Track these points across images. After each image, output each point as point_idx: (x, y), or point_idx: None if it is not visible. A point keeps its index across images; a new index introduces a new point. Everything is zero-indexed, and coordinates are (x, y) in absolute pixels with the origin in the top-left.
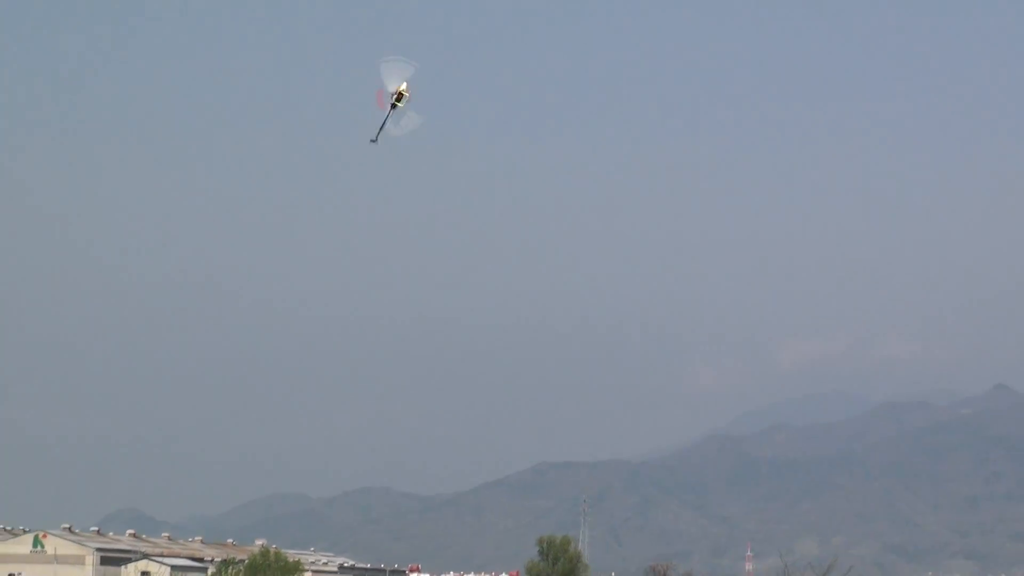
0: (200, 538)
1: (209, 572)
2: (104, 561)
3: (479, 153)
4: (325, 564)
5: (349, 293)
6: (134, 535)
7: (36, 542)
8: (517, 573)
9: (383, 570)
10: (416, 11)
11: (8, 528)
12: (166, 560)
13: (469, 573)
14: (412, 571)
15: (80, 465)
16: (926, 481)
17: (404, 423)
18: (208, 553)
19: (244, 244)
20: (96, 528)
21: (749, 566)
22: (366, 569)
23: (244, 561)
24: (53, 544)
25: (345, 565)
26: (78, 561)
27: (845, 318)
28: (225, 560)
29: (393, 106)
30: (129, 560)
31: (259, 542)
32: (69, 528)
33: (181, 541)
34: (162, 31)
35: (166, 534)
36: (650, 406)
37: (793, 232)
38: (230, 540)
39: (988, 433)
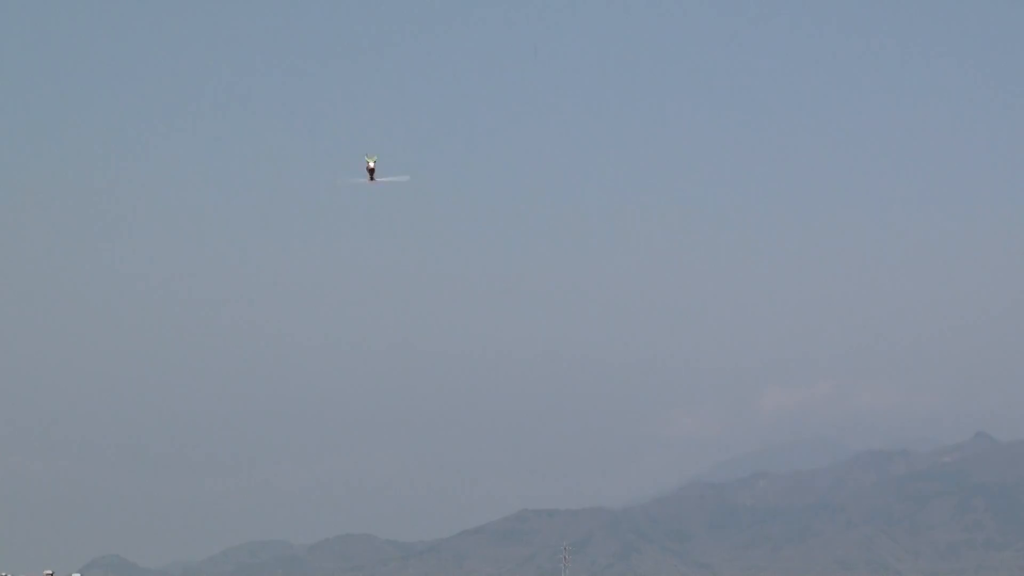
0: None
1: None
2: None
3: (461, 198)
4: None
5: (330, 337)
6: None
7: None
8: None
9: None
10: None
11: None
12: None
13: None
14: None
15: (62, 510)
16: (907, 528)
17: (385, 468)
18: None
19: (225, 283)
20: (78, 574)
21: None
22: None
23: None
24: None
25: None
26: None
27: (826, 366)
28: None
29: (371, 179)
30: None
31: None
32: (51, 574)
33: None
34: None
35: None
36: (631, 453)
37: (774, 280)
38: None
39: (969, 481)
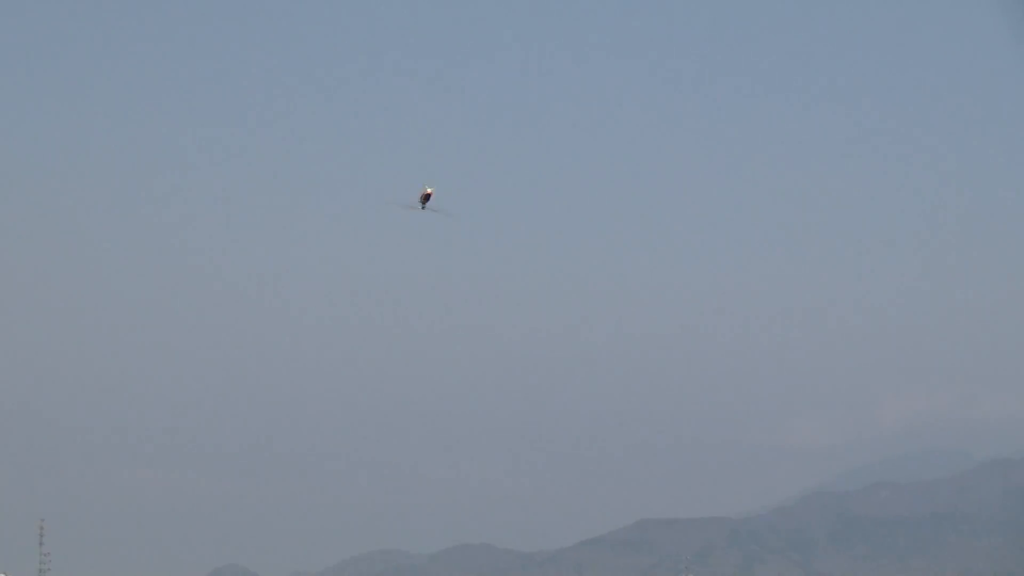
0: None
1: None
2: None
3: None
4: None
5: (450, 347)
6: None
7: None
8: None
9: None
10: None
11: None
12: None
13: None
14: None
15: (183, 520)
16: None
17: (504, 477)
18: None
19: (338, 286)
20: None
21: None
22: None
23: None
24: None
25: None
26: None
27: (948, 374)
28: None
29: (424, 206)
30: None
31: None
32: None
33: None
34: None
35: None
36: (751, 462)
37: (895, 286)
38: None
39: None
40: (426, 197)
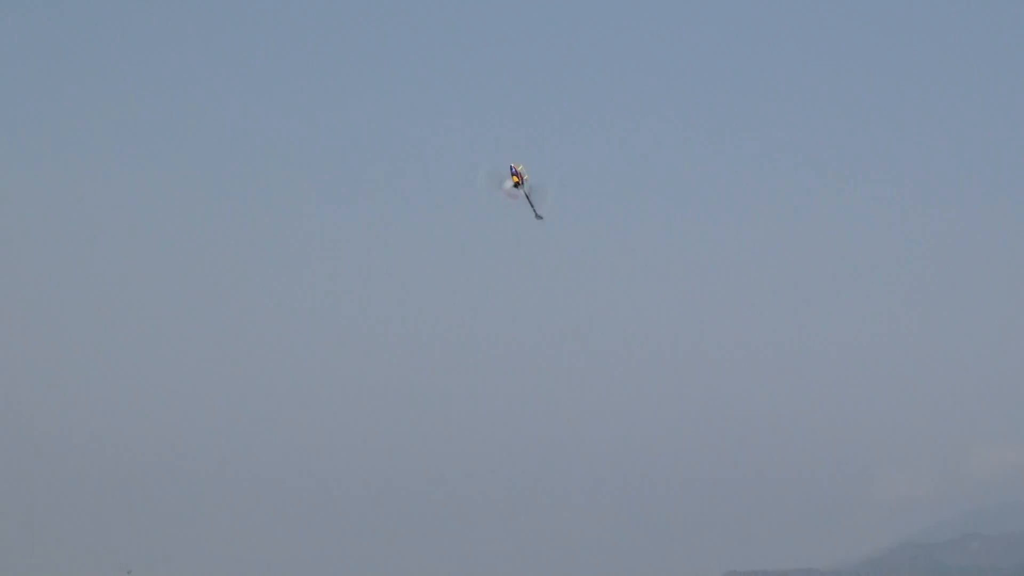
0: None
1: None
2: None
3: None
4: None
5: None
6: None
7: None
8: None
9: None
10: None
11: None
12: None
13: None
14: None
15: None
16: None
17: (587, 528)
18: None
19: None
20: None
21: None
22: None
23: None
24: None
25: None
26: None
27: None
28: None
29: (516, 186)
30: None
31: None
32: None
33: None
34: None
35: None
36: (840, 513)
37: (984, 334)
38: None
39: None
40: (519, 178)
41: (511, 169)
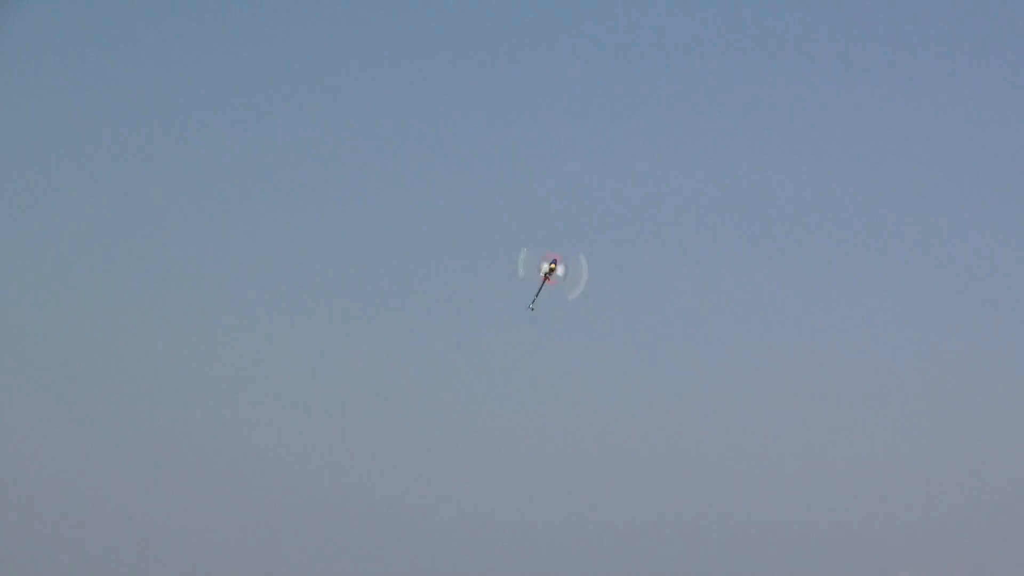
0: None
1: None
2: None
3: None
4: None
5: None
6: None
7: None
8: None
9: None
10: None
11: None
12: None
13: None
14: None
15: None
16: None
17: None
18: None
19: None
20: None
21: None
22: None
23: None
24: None
25: None
26: None
27: (961, 548)
28: None
29: (546, 277)
30: None
31: None
32: None
33: None
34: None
35: None
36: None
37: (904, 456)
38: None
39: None
40: (550, 270)
41: (548, 265)
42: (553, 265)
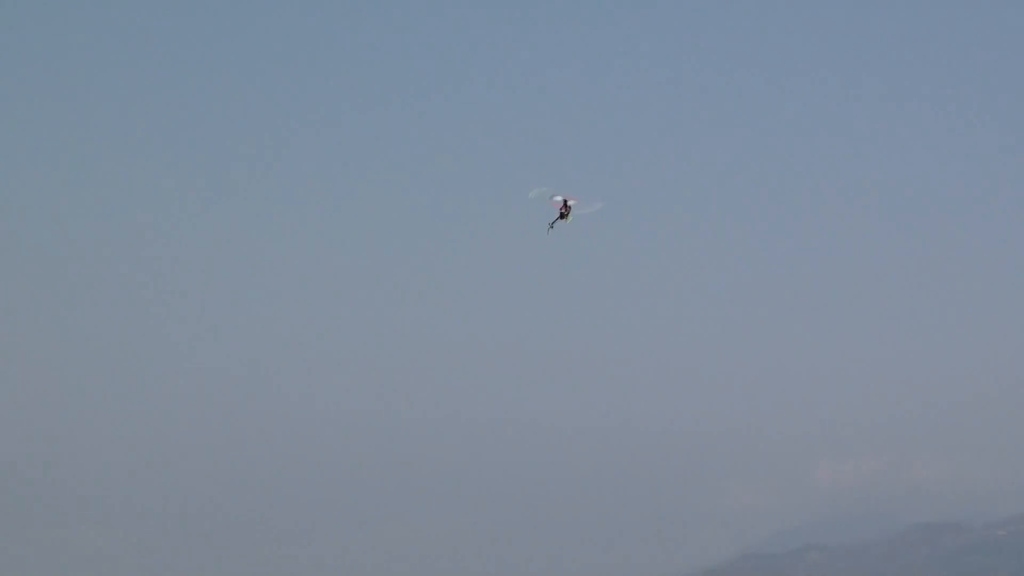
0: None
1: None
2: None
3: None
4: None
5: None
6: None
7: None
8: None
9: None
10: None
11: None
12: None
13: None
14: None
15: None
16: None
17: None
18: None
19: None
20: None
21: None
22: None
23: None
24: None
25: None
26: None
27: (881, 438)
28: None
29: (561, 216)
30: None
31: None
32: None
33: None
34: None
35: None
36: (683, 524)
37: (829, 352)
38: None
39: None
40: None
41: (563, 202)
42: (565, 208)
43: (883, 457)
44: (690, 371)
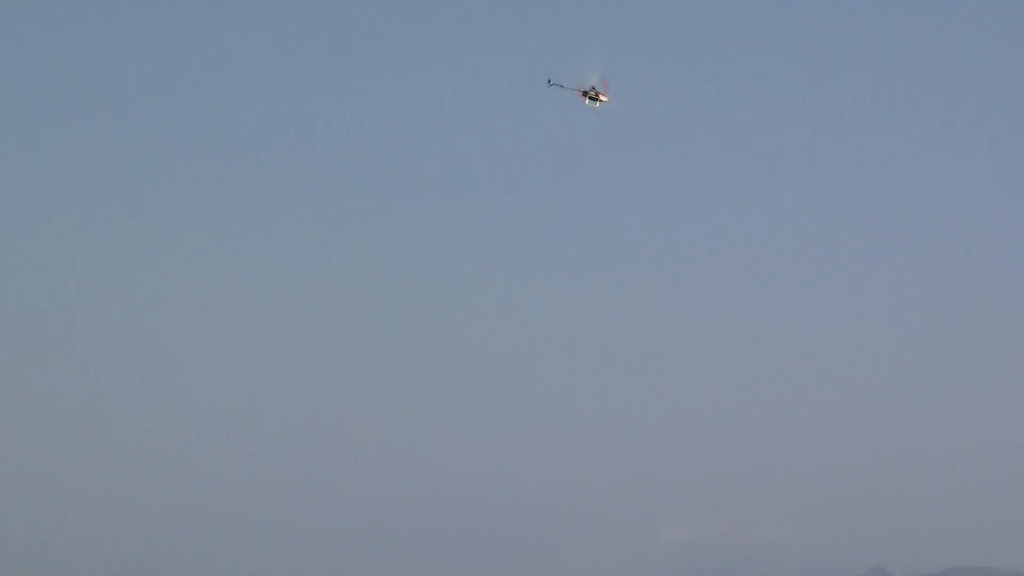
0: None
1: None
2: None
3: None
4: None
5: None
6: None
7: None
8: None
9: None
10: None
11: None
12: None
13: None
14: None
15: None
16: None
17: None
18: None
19: None
20: None
21: None
22: None
23: None
24: None
25: None
26: None
27: (723, 500)
28: None
29: (591, 98)
30: None
31: None
32: None
33: None
34: None
35: None
36: None
37: (672, 415)
38: None
39: None
40: (593, 93)
41: (595, 88)
42: (596, 94)
43: (725, 518)
44: (535, 429)
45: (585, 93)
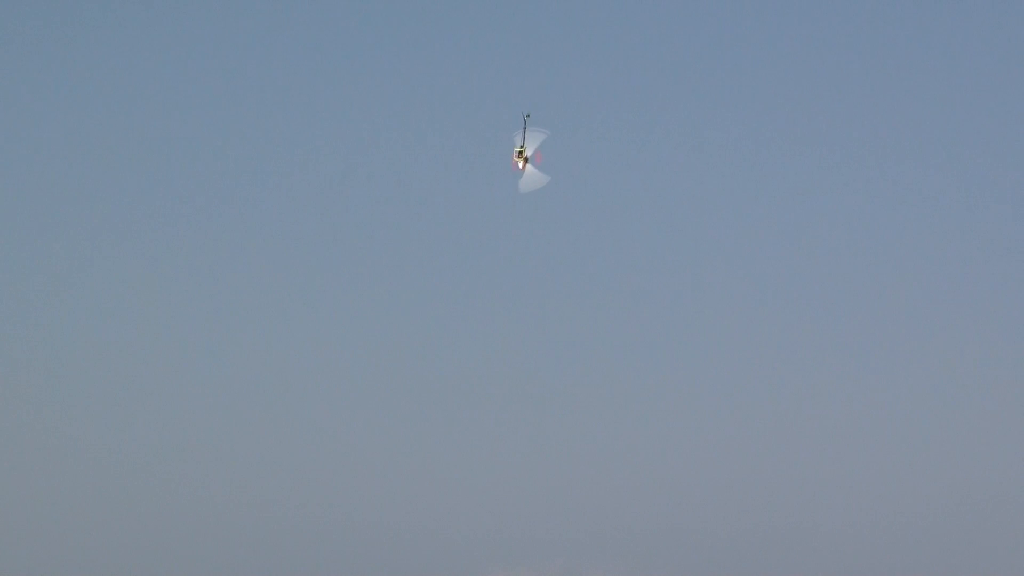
0: None
1: None
2: None
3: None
4: None
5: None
6: None
7: None
8: None
9: None
10: None
11: None
12: None
13: None
14: None
15: None
16: None
17: None
18: None
19: None
20: None
21: None
22: None
23: None
24: None
25: None
26: None
27: (557, 545)
28: None
29: (523, 156)
30: None
31: None
32: None
33: None
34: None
35: None
36: None
37: (502, 458)
38: None
39: None
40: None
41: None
42: (522, 153)
43: (559, 564)
44: (366, 478)
45: (520, 153)
